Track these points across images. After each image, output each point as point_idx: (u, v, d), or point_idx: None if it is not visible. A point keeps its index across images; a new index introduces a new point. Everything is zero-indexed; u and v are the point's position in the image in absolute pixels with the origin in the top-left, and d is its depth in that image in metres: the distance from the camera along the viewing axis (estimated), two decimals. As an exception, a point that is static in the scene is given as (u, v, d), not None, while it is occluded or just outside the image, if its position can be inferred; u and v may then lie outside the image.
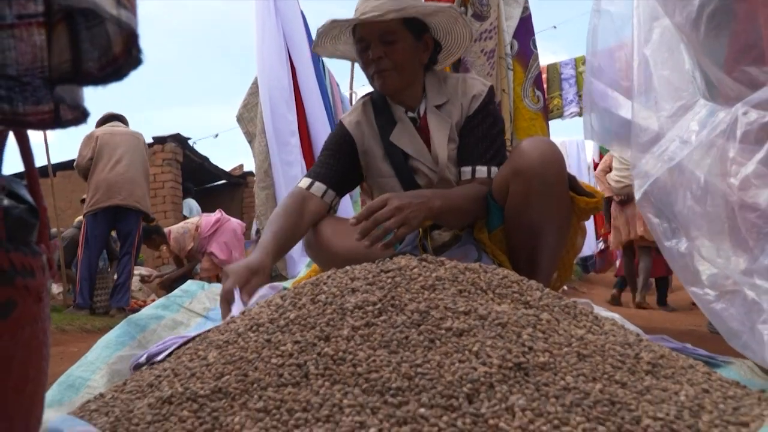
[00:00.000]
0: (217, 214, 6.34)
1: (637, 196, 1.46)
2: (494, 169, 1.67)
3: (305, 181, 1.75)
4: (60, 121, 0.52)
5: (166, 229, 6.17)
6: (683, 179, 1.26)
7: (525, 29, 2.77)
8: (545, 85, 7.39)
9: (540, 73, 2.80)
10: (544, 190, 1.50)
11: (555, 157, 1.52)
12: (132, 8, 0.50)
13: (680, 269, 1.33)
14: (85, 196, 5.13)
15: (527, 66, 2.72)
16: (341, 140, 1.82)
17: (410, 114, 1.77)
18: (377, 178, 1.80)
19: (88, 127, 5.03)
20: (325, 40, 1.78)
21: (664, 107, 1.41)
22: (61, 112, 0.52)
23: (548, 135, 2.84)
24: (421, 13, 1.67)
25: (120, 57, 0.50)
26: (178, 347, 1.00)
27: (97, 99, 2.99)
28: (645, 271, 5.21)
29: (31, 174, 0.64)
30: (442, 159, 1.71)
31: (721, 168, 1.11)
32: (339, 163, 1.78)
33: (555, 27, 8.71)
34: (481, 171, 1.67)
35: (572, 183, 1.61)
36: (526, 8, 2.77)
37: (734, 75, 1.09)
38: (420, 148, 1.72)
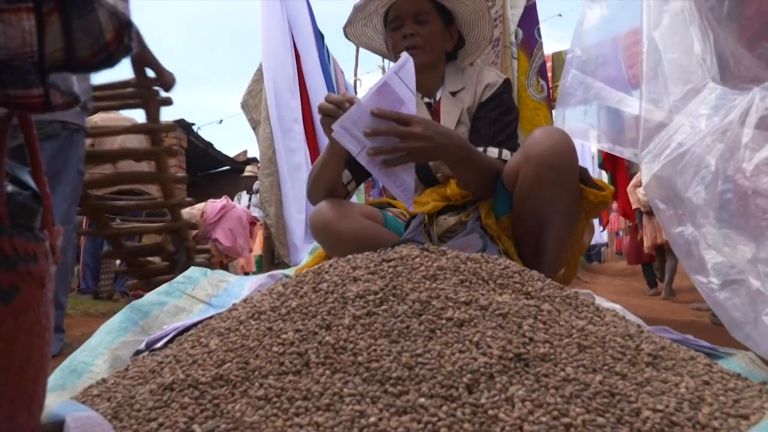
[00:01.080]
0: (223, 200, 6.35)
1: (644, 180, 1.45)
2: (506, 152, 1.69)
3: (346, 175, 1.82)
4: (50, 105, 0.52)
5: None
6: (693, 165, 1.24)
7: (530, 18, 2.75)
8: (550, 74, 7.35)
9: (544, 62, 2.78)
10: (554, 178, 1.50)
11: (567, 147, 1.52)
12: None
13: (685, 257, 1.32)
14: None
15: (532, 55, 2.70)
16: None
17: (426, 99, 1.86)
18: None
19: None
20: (359, 18, 1.90)
21: (672, 91, 1.39)
22: (51, 97, 0.52)
23: (552, 124, 2.83)
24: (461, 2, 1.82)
25: (111, 44, 0.51)
26: (179, 333, 1.00)
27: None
28: (671, 270, 5.63)
29: (35, 160, 0.65)
30: None
31: (733, 154, 1.09)
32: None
33: (560, 15, 8.62)
34: (492, 152, 1.69)
35: (583, 175, 1.60)
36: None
37: (757, 53, 1.05)
38: None
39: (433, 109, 1.84)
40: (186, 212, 6.22)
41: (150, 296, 1.34)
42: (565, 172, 1.51)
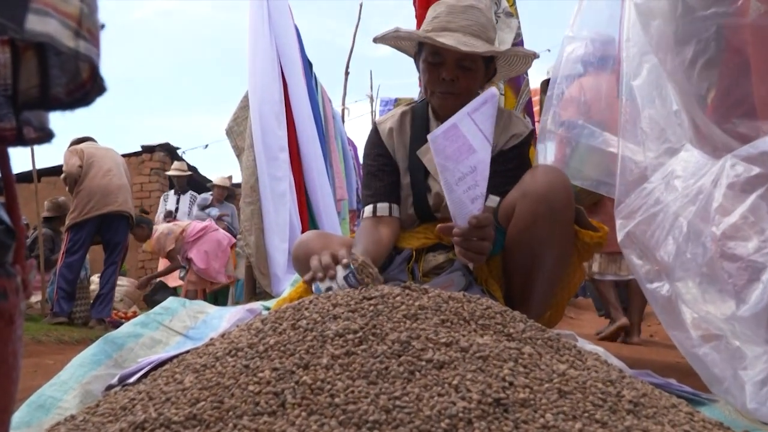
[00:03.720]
0: (207, 222, 6.32)
1: (620, 236, 1.47)
2: (495, 199, 1.69)
3: (368, 210, 1.79)
4: (23, 139, 0.52)
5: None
6: (667, 223, 1.28)
7: None
8: (537, 107, 7.46)
9: (530, 99, 2.83)
10: (549, 215, 1.51)
11: (564, 186, 1.54)
12: (93, 38, 0.50)
13: (662, 312, 1.34)
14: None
15: (519, 91, 2.75)
16: (378, 151, 1.85)
17: None
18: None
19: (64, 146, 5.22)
20: (393, 39, 1.78)
21: (650, 147, 1.43)
22: (24, 131, 0.52)
23: (537, 160, 2.87)
24: (512, 54, 1.74)
25: (87, 83, 0.51)
26: (154, 368, 0.99)
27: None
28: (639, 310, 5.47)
29: (10, 192, 0.64)
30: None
31: (705, 216, 1.12)
32: (386, 175, 1.82)
33: (549, 50, 8.81)
34: (493, 200, 1.68)
35: (579, 216, 1.62)
36: (518, 34, 2.79)
37: (724, 127, 1.11)
38: None
39: None
40: (167, 227, 6.16)
41: (126, 328, 1.32)
42: (560, 210, 1.52)
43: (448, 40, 1.60)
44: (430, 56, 1.69)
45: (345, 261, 1.21)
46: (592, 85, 2.23)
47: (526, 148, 1.79)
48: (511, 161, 1.73)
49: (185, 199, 7.53)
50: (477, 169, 1.32)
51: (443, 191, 1.38)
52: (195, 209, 7.40)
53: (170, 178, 8.02)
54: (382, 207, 1.77)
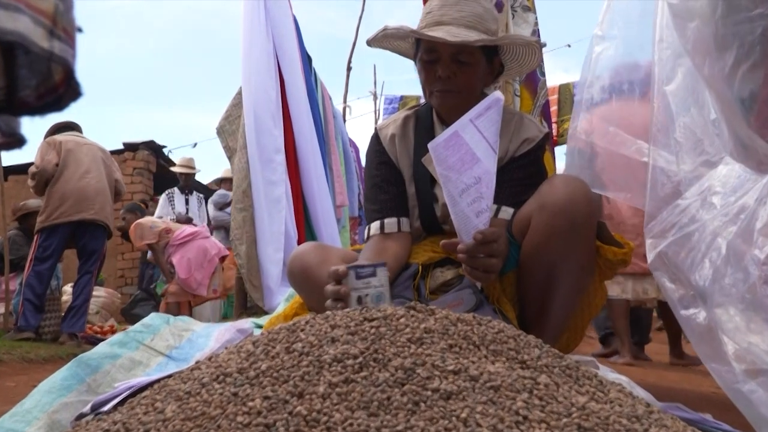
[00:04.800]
0: (199, 228, 6.27)
1: (650, 256, 1.46)
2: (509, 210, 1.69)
3: (375, 227, 1.78)
4: None
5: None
6: (703, 244, 1.26)
7: None
8: (555, 107, 7.47)
9: (548, 102, 2.83)
10: (568, 229, 1.50)
11: (586, 198, 1.53)
12: (69, 38, 0.50)
13: (699, 342, 1.32)
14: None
15: (535, 93, 2.76)
16: (380, 159, 1.85)
17: None
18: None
19: (42, 133, 5.06)
20: (387, 39, 1.80)
21: (685, 160, 1.42)
22: None
23: (555, 166, 2.87)
24: (508, 43, 1.74)
25: (60, 86, 0.50)
26: (132, 394, 0.99)
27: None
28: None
29: None
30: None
31: (747, 237, 1.11)
32: (391, 186, 1.81)
33: (569, 46, 8.86)
34: (507, 212, 1.68)
35: (601, 231, 1.61)
36: (535, 30, 2.80)
37: None
38: None
39: None
40: (151, 220, 6.15)
41: (101, 348, 1.32)
42: (581, 224, 1.51)
43: (437, 33, 1.62)
44: (425, 54, 1.71)
45: (342, 270, 1.30)
46: (623, 114, 2.23)
47: (541, 153, 1.78)
48: (524, 168, 1.73)
49: (193, 200, 7.23)
50: (482, 180, 1.32)
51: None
52: (212, 209, 7.13)
53: (174, 175, 7.70)
54: (390, 223, 1.76)
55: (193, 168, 7.47)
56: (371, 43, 1.84)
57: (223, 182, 7.23)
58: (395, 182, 1.82)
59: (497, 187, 1.71)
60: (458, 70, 1.68)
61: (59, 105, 0.53)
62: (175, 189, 7.31)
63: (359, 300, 1.29)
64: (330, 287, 1.36)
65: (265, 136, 4.15)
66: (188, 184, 7.35)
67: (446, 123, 1.75)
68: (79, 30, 0.51)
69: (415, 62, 1.80)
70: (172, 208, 7.05)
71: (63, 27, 0.50)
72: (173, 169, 7.74)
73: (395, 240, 1.74)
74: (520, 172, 1.72)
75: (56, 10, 0.49)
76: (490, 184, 1.33)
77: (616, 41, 2.17)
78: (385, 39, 1.81)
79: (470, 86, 1.71)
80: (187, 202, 7.16)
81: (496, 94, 1.31)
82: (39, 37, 0.48)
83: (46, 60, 0.49)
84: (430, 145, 1.34)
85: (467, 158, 1.29)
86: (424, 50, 1.71)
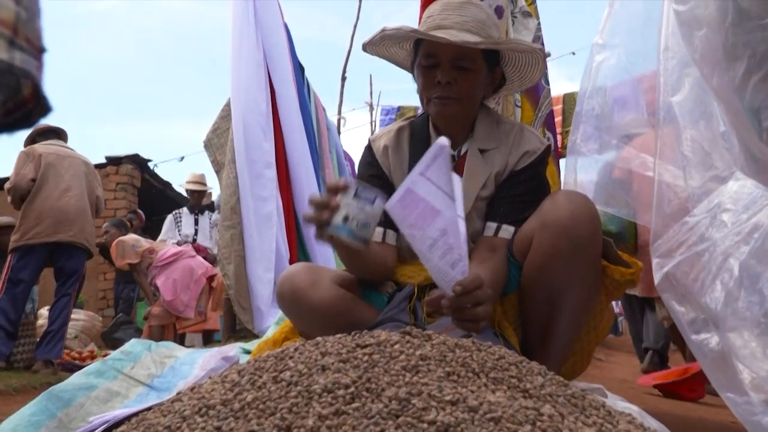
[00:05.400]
0: (184, 247, 6.23)
1: (657, 277, 1.45)
2: (509, 229, 1.69)
3: None
4: None
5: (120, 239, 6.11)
6: (714, 265, 1.26)
7: None
8: (559, 118, 7.49)
9: (551, 112, 2.82)
10: (572, 249, 1.50)
11: (590, 215, 1.53)
12: (33, 49, 0.48)
13: (712, 370, 1.31)
14: None
15: (537, 104, 2.74)
16: (372, 171, 1.85)
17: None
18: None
19: (21, 142, 4.86)
20: (385, 43, 1.81)
21: (692, 175, 1.41)
22: None
23: (560, 182, 2.86)
24: (512, 49, 1.74)
25: (29, 102, 0.49)
26: (107, 430, 0.97)
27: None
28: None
29: None
30: (465, 207, 1.73)
31: (762, 257, 1.11)
32: None
33: (574, 53, 8.91)
34: (507, 231, 1.67)
35: (607, 250, 1.60)
36: (538, 36, 2.77)
37: None
38: None
39: (455, 166, 1.78)
40: (134, 238, 6.12)
41: (75, 378, 1.29)
42: (585, 243, 1.51)
43: (438, 34, 1.63)
44: (424, 59, 1.72)
45: (342, 183, 1.33)
46: (631, 89, 2.23)
47: (542, 166, 1.78)
48: (525, 183, 1.73)
49: (204, 220, 6.78)
50: (447, 231, 1.31)
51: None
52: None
53: (185, 192, 7.35)
54: (377, 232, 1.76)
55: (205, 185, 7.14)
56: (368, 47, 1.84)
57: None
58: (384, 193, 1.82)
59: (497, 203, 1.72)
60: (458, 76, 1.68)
61: (28, 121, 0.52)
62: (184, 209, 6.97)
63: (345, 219, 1.30)
64: (320, 196, 1.35)
65: (255, 149, 4.15)
66: (199, 202, 6.99)
67: (443, 134, 1.75)
68: (43, 50, 0.50)
69: (413, 70, 1.81)
70: (179, 231, 6.71)
71: (25, 36, 0.48)
72: (184, 186, 7.35)
73: (380, 247, 1.75)
74: (521, 187, 1.72)
75: (17, 18, 0.48)
76: (457, 234, 1.32)
77: (618, 50, 2.17)
78: (383, 43, 1.81)
79: (470, 94, 1.71)
80: (196, 222, 6.78)
81: (441, 141, 1.29)
82: None
83: (12, 74, 0.48)
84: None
85: (427, 213, 1.29)
86: (423, 55, 1.72)
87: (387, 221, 1.77)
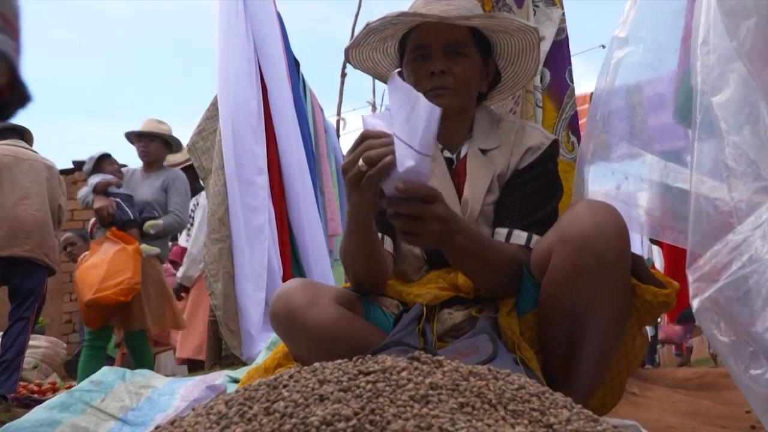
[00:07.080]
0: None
1: (695, 304, 1.43)
2: (536, 238, 1.70)
3: None
4: None
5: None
6: (764, 289, 1.24)
7: (560, 56, 2.77)
8: (584, 120, 7.44)
9: (576, 113, 2.80)
10: (596, 266, 1.50)
11: (617, 228, 1.53)
12: (10, 28, 0.48)
13: (765, 410, 1.29)
14: None
15: (561, 103, 2.72)
16: None
17: (447, 154, 1.86)
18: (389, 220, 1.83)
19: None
20: (370, 42, 1.88)
21: (737, 187, 1.39)
22: None
23: (576, 187, 2.85)
24: (506, 26, 1.80)
25: (5, 91, 0.49)
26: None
27: None
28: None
29: None
30: (473, 211, 1.76)
31: None
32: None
33: (603, 46, 8.91)
34: (519, 236, 1.70)
35: (636, 266, 1.60)
36: (562, 29, 2.77)
37: None
38: (449, 193, 1.76)
39: (456, 168, 1.83)
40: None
41: (36, 413, 1.26)
42: (612, 260, 1.51)
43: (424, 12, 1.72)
44: (412, 53, 1.80)
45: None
46: (667, 86, 2.22)
47: (550, 163, 1.82)
48: (531, 182, 1.76)
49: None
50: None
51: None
52: None
53: None
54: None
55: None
56: (351, 52, 1.94)
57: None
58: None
59: (503, 207, 1.77)
60: (452, 64, 1.76)
61: (5, 112, 0.52)
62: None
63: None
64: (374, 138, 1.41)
65: (245, 154, 4.16)
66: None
67: (441, 134, 1.77)
68: (20, 30, 0.50)
69: (403, 69, 1.86)
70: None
71: (1, 14, 0.48)
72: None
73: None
74: (527, 187, 1.75)
75: None
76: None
77: (642, 45, 2.13)
78: (368, 43, 1.89)
79: (466, 82, 1.78)
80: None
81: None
82: None
83: None
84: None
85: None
86: (412, 48, 1.81)
87: (387, 227, 1.79)
